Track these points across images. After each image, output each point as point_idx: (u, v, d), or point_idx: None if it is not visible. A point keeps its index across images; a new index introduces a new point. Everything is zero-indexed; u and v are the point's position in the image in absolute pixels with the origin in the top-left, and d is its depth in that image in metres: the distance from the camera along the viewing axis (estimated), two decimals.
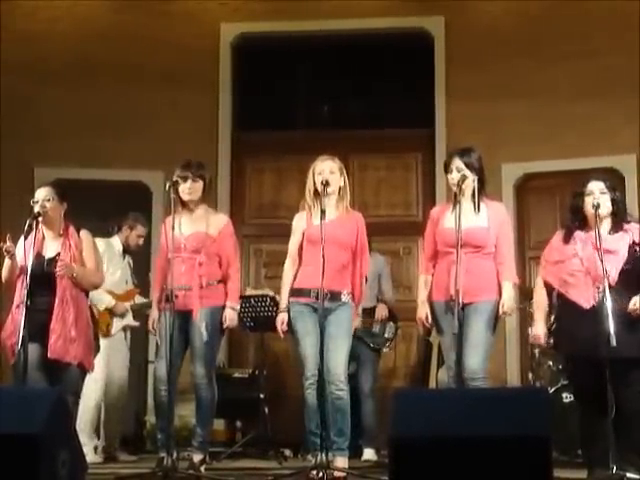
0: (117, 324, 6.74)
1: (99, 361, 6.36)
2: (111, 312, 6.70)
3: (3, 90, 7.98)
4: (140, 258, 7.32)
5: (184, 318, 5.52)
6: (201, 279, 5.59)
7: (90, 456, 6.41)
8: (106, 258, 6.60)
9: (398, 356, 8.19)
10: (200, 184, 5.71)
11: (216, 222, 5.77)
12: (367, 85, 8.72)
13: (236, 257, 5.89)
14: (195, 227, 5.67)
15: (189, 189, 5.67)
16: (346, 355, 5.41)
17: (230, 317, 5.67)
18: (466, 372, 5.18)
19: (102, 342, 6.51)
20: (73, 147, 8.19)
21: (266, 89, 8.77)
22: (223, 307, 5.66)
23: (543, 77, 8.02)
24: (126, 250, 6.98)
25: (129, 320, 6.86)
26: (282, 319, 5.50)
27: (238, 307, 5.86)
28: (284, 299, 5.54)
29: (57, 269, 5.45)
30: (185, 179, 5.66)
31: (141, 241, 7.07)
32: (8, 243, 5.37)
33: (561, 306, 5.31)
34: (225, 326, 5.68)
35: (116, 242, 6.92)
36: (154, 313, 5.69)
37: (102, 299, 6.61)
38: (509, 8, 8.26)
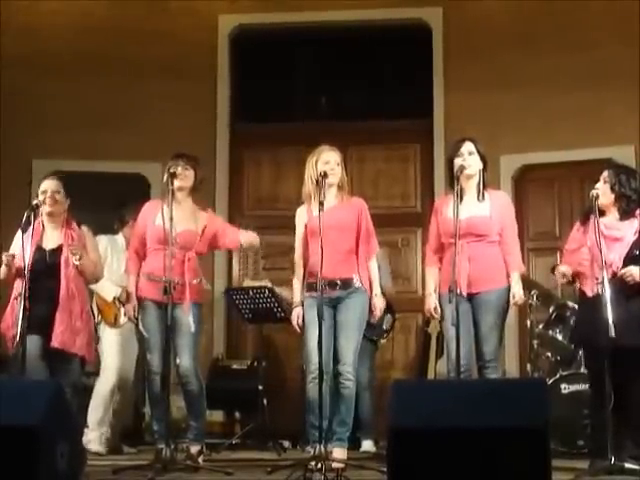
0: (124, 316, 6.75)
1: (112, 348, 6.50)
2: (119, 301, 6.70)
3: (2, 83, 7.97)
4: None
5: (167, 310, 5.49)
6: (190, 275, 5.60)
7: (95, 444, 6.45)
8: (109, 253, 6.66)
9: (397, 347, 8.19)
10: (191, 173, 5.74)
11: (202, 222, 5.78)
12: (365, 77, 8.69)
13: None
14: (186, 224, 5.67)
15: (180, 174, 5.67)
16: (357, 345, 5.42)
17: None
18: (480, 360, 5.27)
19: (115, 333, 6.61)
20: (71, 139, 8.17)
21: (264, 81, 8.74)
22: (200, 304, 5.71)
23: (541, 68, 8.00)
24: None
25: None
26: (297, 314, 5.52)
27: None
28: (297, 294, 5.54)
29: (70, 248, 5.45)
30: (177, 166, 5.68)
31: None
32: (10, 252, 5.42)
33: (579, 296, 5.34)
34: None
35: (120, 238, 6.89)
36: (134, 301, 5.69)
37: (110, 289, 6.62)
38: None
